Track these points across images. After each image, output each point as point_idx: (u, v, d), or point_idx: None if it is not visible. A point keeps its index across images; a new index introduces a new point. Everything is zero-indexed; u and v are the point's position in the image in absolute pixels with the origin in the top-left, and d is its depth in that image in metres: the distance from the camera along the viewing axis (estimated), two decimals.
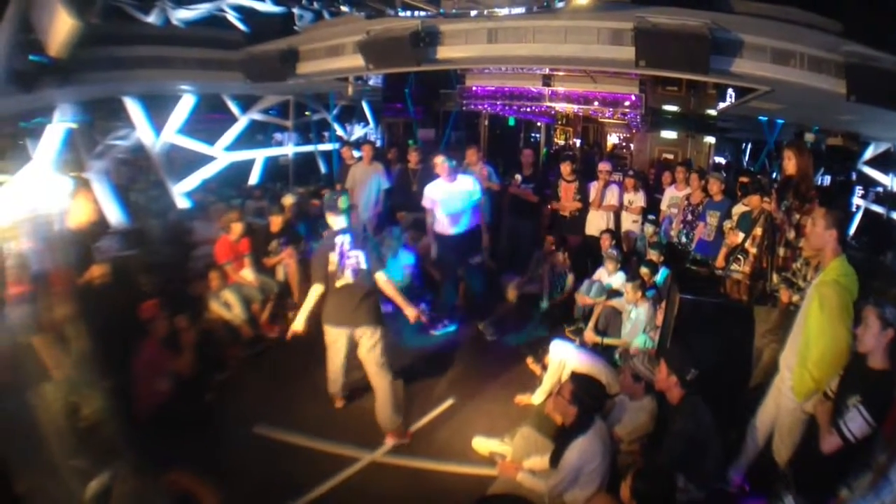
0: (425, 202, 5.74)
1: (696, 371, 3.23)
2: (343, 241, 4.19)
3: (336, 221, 4.27)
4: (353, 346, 4.26)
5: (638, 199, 7.20)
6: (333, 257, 4.18)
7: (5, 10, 4.97)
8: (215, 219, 6.55)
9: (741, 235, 4.82)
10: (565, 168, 7.21)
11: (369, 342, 4.19)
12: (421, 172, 7.70)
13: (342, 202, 4.29)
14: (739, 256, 4.51)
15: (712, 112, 11.20)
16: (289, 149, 11.40)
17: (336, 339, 4.25)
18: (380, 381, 4.20)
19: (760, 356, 3.96)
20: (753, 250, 4.35)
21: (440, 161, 5.56)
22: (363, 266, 4.16)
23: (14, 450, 1.86)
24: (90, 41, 5.72)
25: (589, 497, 3.14)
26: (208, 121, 10.24)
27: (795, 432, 3.17)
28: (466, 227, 5.64)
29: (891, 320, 2.60)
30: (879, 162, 9.72)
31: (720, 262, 5.07)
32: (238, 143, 9.99)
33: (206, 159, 9.30)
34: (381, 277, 4.23)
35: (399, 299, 4.34)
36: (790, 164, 3.85)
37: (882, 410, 2.54)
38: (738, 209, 5.62)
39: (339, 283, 4.17)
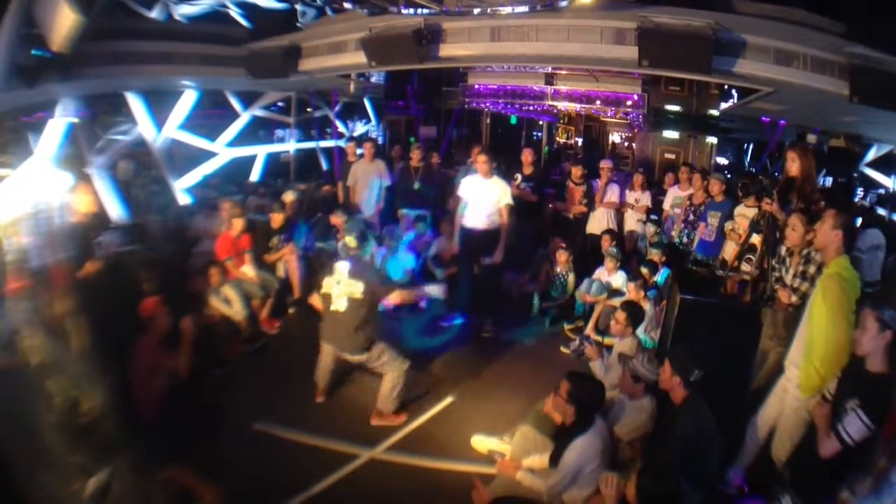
0: (460, 192, 5.88)
1: (700, 372, 3.22)
2: (342, 268, 4.31)
3: (343, 247, 4.49)
4: (339, 359, 4.44)
5: (644, 197, 7.25)
6: (329, 282, 4.32)
7: (7, 6, 4.97)
8: (223, 213, 6.52)
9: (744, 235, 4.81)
10: (576, 171, 7.41)
11: (370, 362, 4.35)
12: (422, 170, 7.72)
13: (350, 241, 4.47)
14: (751, 257, 4.51)
15: (715, 112, 11.19)
16: (290, 145, 11.40)
17: (326, 350, 4.46)
18: (389, 371, 4.33)
19: (765, 359, 3.95)
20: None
21: (483, 160, 5.67)
22: (358, 296, 4.23)
23: (14, 446, 1.86)
24: (92, 36, 5.72)
25: (588, 496, 3.14)
26: (210, 117, 10.23)
27: (797, 433, 3.17)
28: (489, 226, 5.71)
29: (889, 322, 2.58)
30: (881, 164, 9.71)
31: (732, 262, 5.05)
32: (239, 140, 10.00)
33: (207, 155, 9.30)
34: (392, 297, 4.39)
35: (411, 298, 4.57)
36: (794, 165, 3.83)
37: (881, 414, 2.52)
38: (740, 210, 5.62)
39: (332, 308, 4.30)
